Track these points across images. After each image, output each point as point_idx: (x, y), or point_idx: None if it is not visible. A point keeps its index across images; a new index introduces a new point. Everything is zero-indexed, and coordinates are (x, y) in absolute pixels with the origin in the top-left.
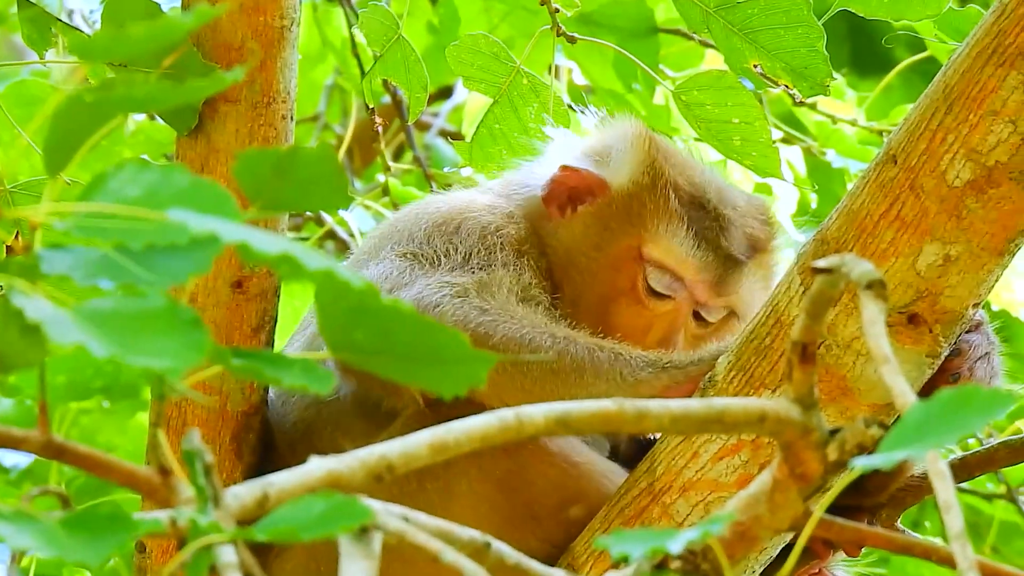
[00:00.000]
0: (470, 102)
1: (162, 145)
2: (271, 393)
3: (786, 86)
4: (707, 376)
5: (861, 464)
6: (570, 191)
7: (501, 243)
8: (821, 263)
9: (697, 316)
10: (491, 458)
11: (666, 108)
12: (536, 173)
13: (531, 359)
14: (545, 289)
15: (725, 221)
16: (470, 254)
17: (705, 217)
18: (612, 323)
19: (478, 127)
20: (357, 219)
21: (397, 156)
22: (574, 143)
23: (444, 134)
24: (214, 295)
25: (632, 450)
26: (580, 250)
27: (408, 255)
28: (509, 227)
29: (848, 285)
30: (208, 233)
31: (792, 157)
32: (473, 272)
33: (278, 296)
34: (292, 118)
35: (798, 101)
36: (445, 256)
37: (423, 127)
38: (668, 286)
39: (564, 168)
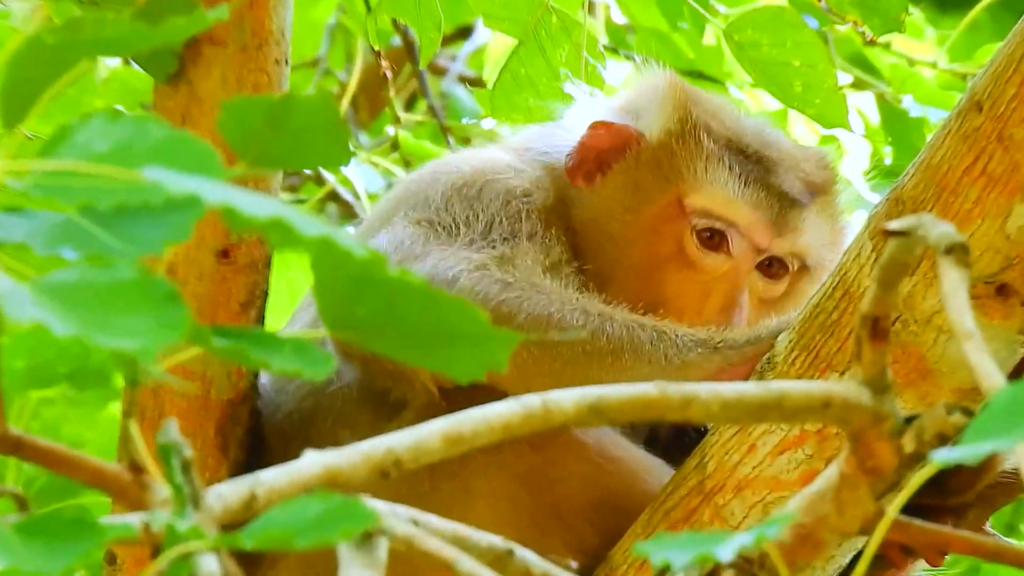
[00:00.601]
0: (492, 44)
1: (138, 94)
2: (262, 379)
3: (854, 23)
4: (765, 357)
5: (942, 457)
6: (599, 153)
7: (527, 210)
8: (895, 225)
9: (764, 270)
10: (514, 452)
11: (718, 49)
12: (559, 137)
13: (561, 339)
14: (575, 265)
15: (770, 162)
16: (492, 223)
17: (748, 161)
18: (660, 297)
19: (501, 72)
20: (363, 177)
21: (409, 106)
22: (599, 102)
23: (463, 80)
24: (196, 266)
25: (675, 442)
26: (612, 215)
27: (423, 222)
28: (536, 193)
29: (926, 250)
30: (188, 194)
31: (863, 105)
32: (495, 245)
33: (270, 267)
34: (287, 62)
35: (869, 40)
36: (465, 225)
37: (438, 72)
38: (721, 236)
39: (596, 125)
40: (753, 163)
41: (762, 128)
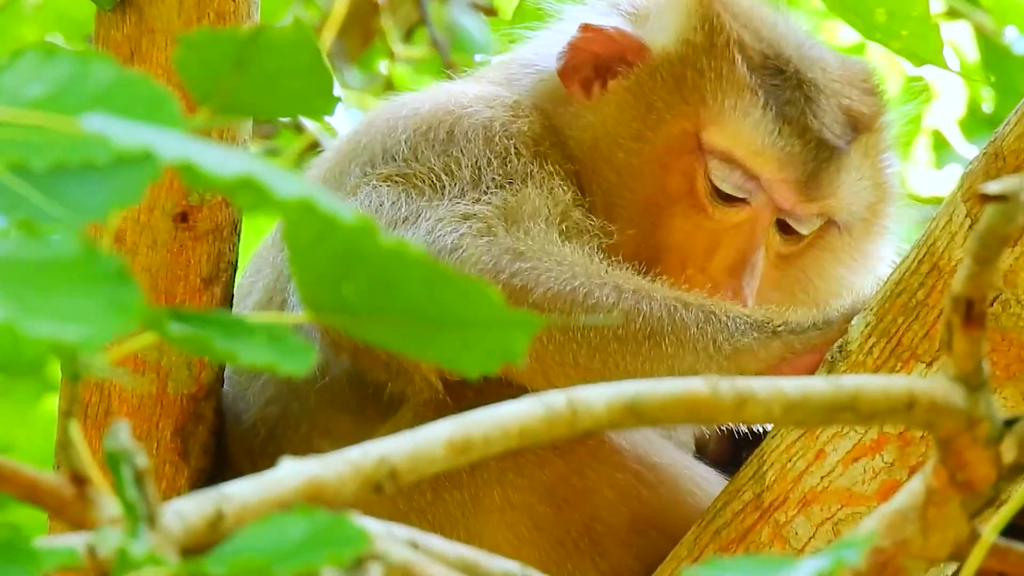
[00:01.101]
0: None
1: (79, 24)
2: (227, 371)
3: None
4: (837, 344)
5: None
6: (596, 59)
7: (514, 146)
8: (993, 187)
9: (782, 227)
10: (535, 457)
11: None
12: (547, 44)
13: (589, 322)
14: (587, 207)
15: (813, 89)
16: (479, 167)
17: (785, 86)
18: (663, 243)
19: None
20: (351, 124)
21: (408, 37)
22: (598, 2)
23: (475, 6)
24: (149, 232)
25: (726, 448)
26: (615, 140)
27: (396, 179)
28: (518, 122)
29: None
30: (139, 147)
31: (958, 38)
32: (490, 193)
33: (238, 234)
34: None
35: None
36: (446, 174)
37: None
38: (739, 186)
39: (586, 28)
40: (793, 90)
41: (803, 39)
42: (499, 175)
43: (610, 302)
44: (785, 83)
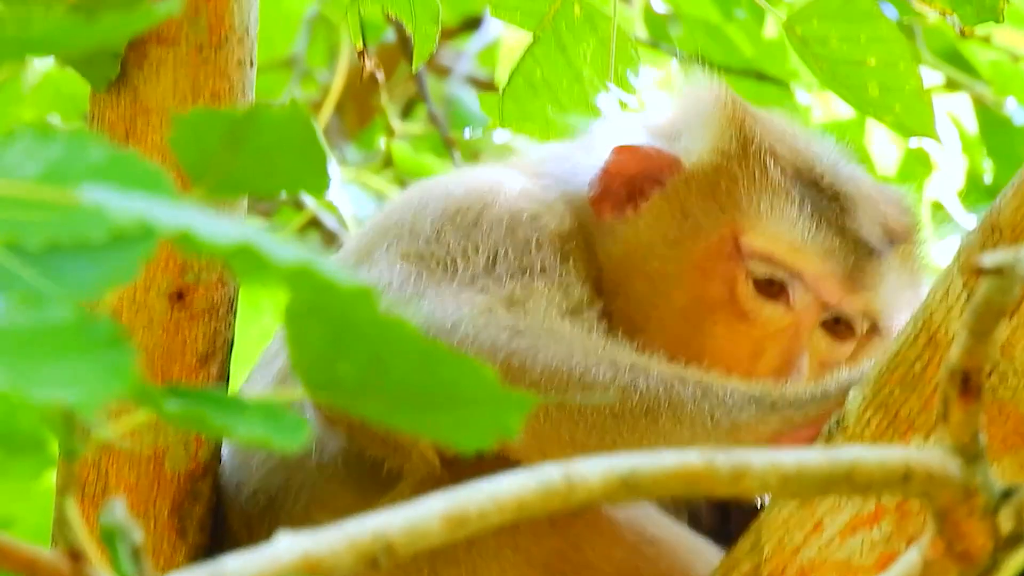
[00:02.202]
0: (506, 39)
1: (76, 101)
2: (224, 451)
3: (942, 12)
4: (834, 417)
5: None
6: (629, 181)
7: (537, 239)
8: (990, 259)
9: (829, 328)
10: (533, 533)
11: (781, 43)
12: (579, 160)
13: (584, 400)
14: (600, 307)
15: (847, 200)
16: (495, 256)
17: (820, 194)
18: (703, 352)
19: (512, 74)
20: (350, 201)
21: (406, 113)
22: (628, 118)
23: (471, 82)
24: (145, 311)
25: (716, 519)
26: (651, 250)
27: (412, 257)
28: (547, 218)
29: None
30: (137, 220)
31: (958, 109)
32: (501, 282)
33: (234, 312)
34: (253, 64)
35: (961, 32)
36: (463, 258)
37: (442, 73)
38: (782, 286)
39: (620, 150)
40: (826, 199)
41: (836, 156)
42: (514, 266)
43: (607, 379)
44: (820, 193)
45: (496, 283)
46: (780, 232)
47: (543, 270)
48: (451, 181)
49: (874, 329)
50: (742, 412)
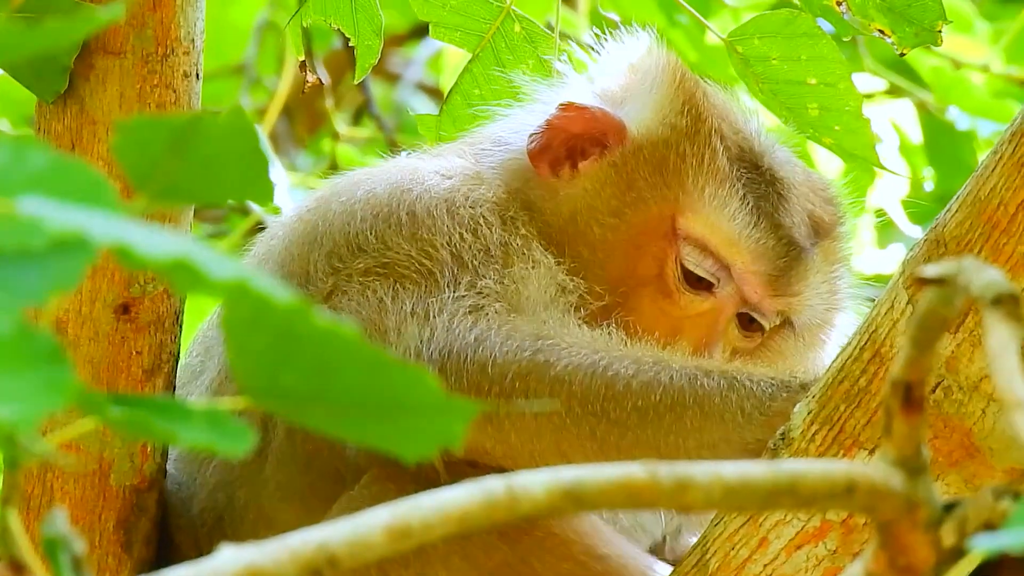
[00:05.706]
0: (451, 49)
1: (25, 107)
2: (170, 467)
3: (881, 31)
4: (779, 431)
5: (985, 545)
6: (571, 139)
7: (481, 215)
8: (932, 271)
9: (744, 321)
10: (481, 546)
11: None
12: (519, 123)
13: (608, 393)
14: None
15: (784, 187)
16: (454, 244)
17: (760, 180)
18: (627, 321)
19: (450, 93)
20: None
21: (357, 118)
22: (573, 82)
23: (421, 88)
24: (91, 324)
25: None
26: (593, 216)
27: (376, 271)
28: (479, 189)
29: (971, 302)
30: (75, 231)
31: (900, 116)
32: (481, 275)
33: (180, 324)
34: (199, 75)
35: (901, 54)
36: (426, 258)
37: (392, 79)
38: (710, 274)
39: (568, 107)
40: (765, 183)
41: (769, 138)
42: (477, 249)
43: (629, 373)
44: (760, 177)
45: (481, 279)
46: (719, 222)
47: (506, 245)
48: (369, 178)
49: (787, 323)
50: (774, 401)
